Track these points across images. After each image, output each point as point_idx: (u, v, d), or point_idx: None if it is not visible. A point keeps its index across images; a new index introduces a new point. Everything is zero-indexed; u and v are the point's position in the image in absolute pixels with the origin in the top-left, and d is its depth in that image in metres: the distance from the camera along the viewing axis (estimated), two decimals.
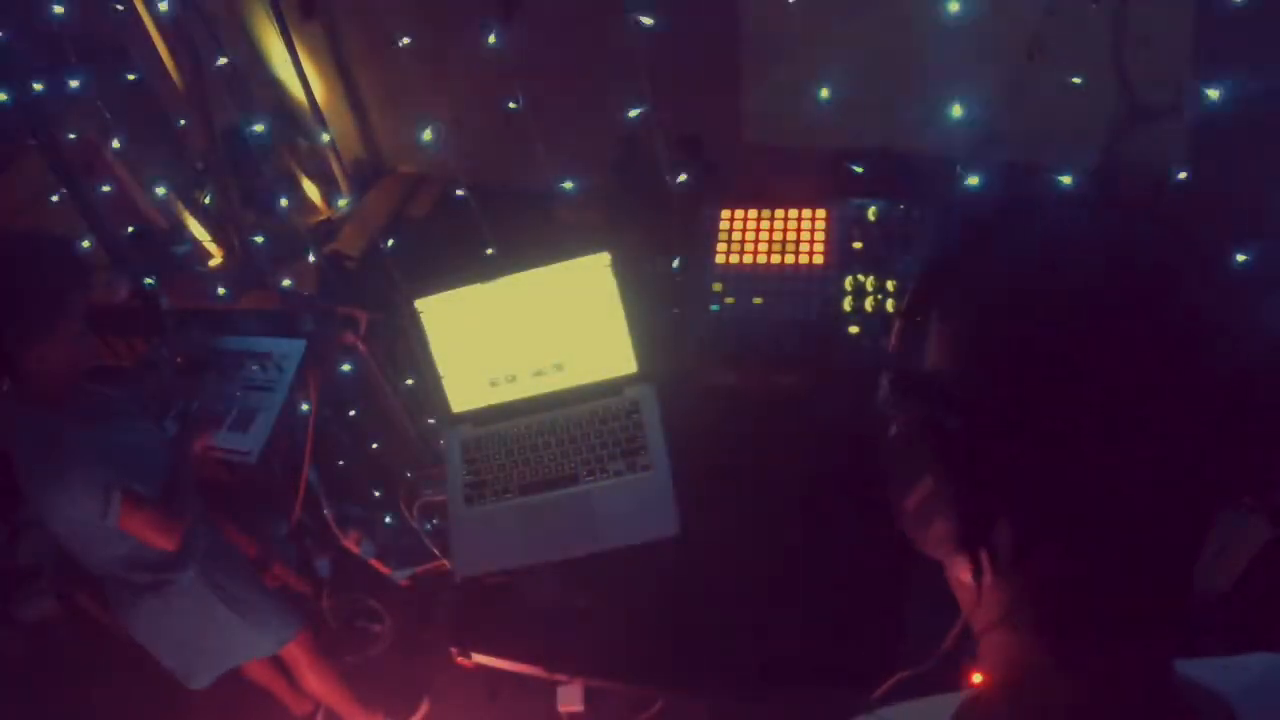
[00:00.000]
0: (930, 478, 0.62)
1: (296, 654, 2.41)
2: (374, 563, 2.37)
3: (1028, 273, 0.61)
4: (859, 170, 2.15)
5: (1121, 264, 0.59)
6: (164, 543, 1.92)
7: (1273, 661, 0.70)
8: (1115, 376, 0.55)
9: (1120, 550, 0.58)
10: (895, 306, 1.80)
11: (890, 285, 1.82)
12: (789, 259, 1.90)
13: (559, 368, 1.86)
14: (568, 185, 2.44)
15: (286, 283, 2.90)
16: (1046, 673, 0.63)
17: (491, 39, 2.23)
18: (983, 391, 0.59)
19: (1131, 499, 0.56)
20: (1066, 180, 1.98)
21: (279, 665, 2.52)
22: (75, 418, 1.87)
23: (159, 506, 1.89)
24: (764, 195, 1.99)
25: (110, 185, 3.12)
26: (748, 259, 1.92)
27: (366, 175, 3.57)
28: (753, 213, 1.97)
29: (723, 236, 1.95)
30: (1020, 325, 0.58)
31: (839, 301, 1.82)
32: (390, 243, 2.69)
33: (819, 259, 1.89)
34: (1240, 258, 2.01)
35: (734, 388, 1.85)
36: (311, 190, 3.47)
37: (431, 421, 2.25)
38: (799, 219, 1.94)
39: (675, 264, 2.13)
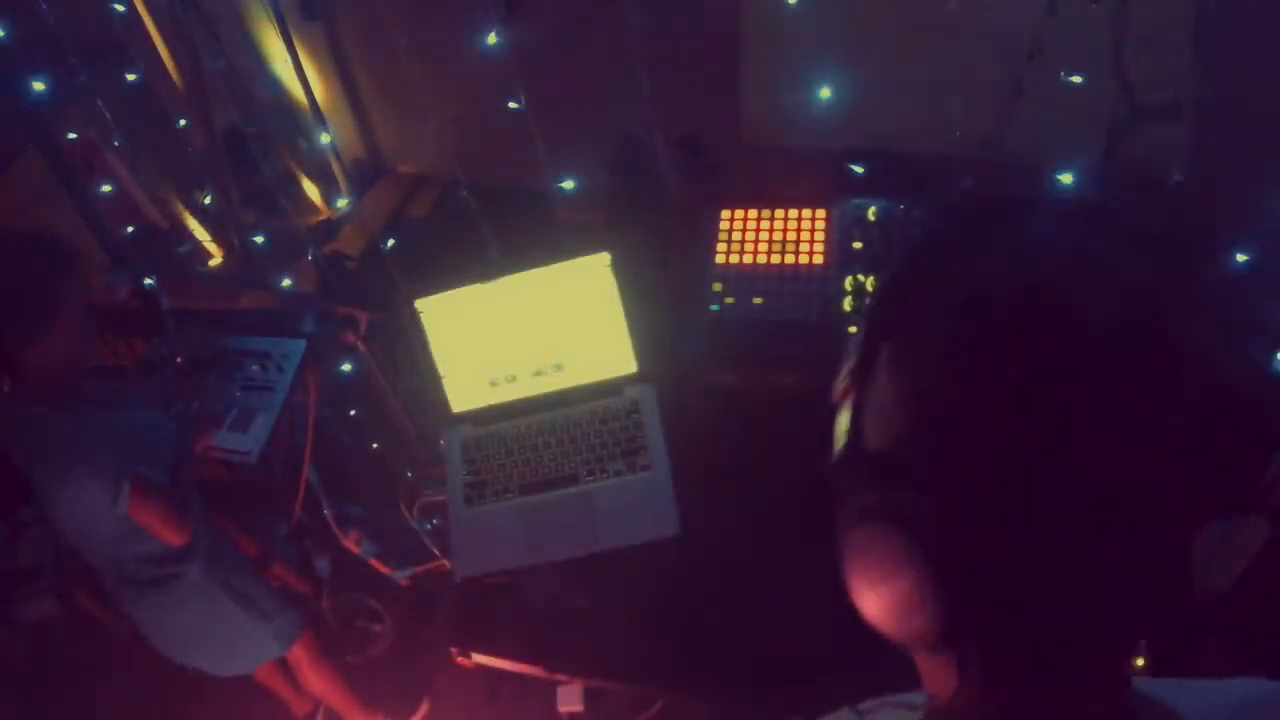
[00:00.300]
0: (907, 570, 0.54)
1: (298, 653, 2.41)
2: (374, 563, 2.37)
3: (1002, 294, 0.53)
4: (859, 170, 2.15)
5: (1108, 283, 0.53)
6: (172, 534, 1.92)
7: (1249, 689, 0.66)
8: (1100, 401, 0.50)
9: (1101, 583, 0.53)
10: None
11: None
12: (789, 259, 1.90)
13: (559, 368, 1.86)
14: (568, 185, 2.44)
15: (287, 283, 2.90)
16: (997, 712, 0.59)
17: (492, 38, 2.23)
18: (949, 447, 0.52)
19: (1114, 528, 0.51)
20: (1067, 179, 1.98)
21: (280, 665, 2.52)
22: (80, 408, 1.88)
23: (167, 495, 1.90)
24: (764, 195, 2.00)
25: (110, 185, 3.12)
26: (748, 259, 1.92)
27: (366, 175, 3.57)
28: (753, 213, 1.97)
29: (723, 236, 1.95)
30: (993, 351, 0.52)
31: (839, 301, 1.83)
32: (390, 243, 2.69)
33: (819, 259, 1.89)
34: (1240, 258, 2.01)
35: (734, 388, 1.85)
36: (311, 190, 3.47)
37: (431, 422, 2.25)
38: (799, 219, 1.94)
39: (675, 264, 2.13)
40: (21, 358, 1.77)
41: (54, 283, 1.79)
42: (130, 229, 3.20)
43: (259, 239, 3.11)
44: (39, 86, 2.49)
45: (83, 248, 2.79)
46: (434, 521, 1.97)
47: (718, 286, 1.90)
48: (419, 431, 2.52)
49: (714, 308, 1.88)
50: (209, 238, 3.36)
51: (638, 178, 2.59)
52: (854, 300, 1.82)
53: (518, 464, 1.82)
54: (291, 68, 2.98)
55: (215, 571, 2.12)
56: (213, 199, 3.32)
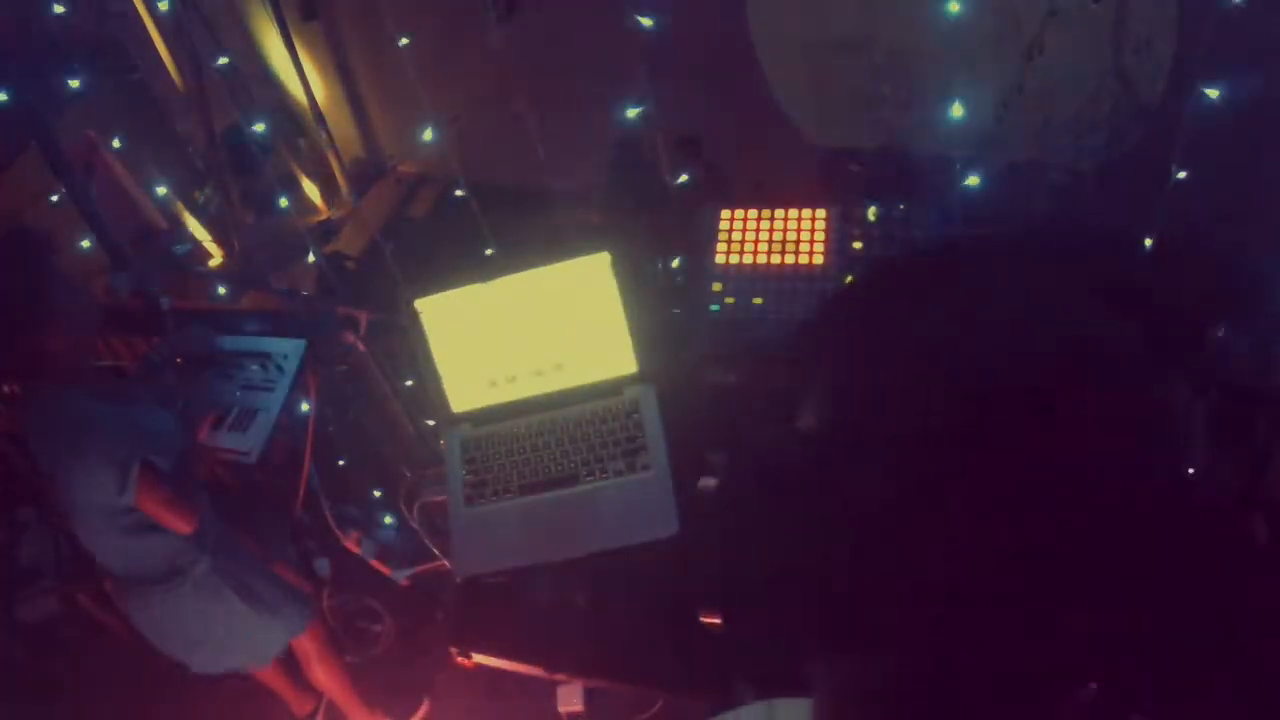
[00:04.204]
0: None
1: (306, 645, 2.42)
2: (374, 563, 2.38)
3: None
4: (859, 170, 2.16)
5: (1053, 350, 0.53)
6: (180, 525, 1.93)
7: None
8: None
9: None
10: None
11: None
12: (789, 259, 1.90)
13: (559, 368, 1.86)
14: (568, 185, 2.44)
15: (286, 283, 2.90)
16: None
17: (491, 39, 2.23)
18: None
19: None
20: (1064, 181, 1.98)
21: (282, 662, 2.52)
22: (92, 396, 1.91)
23: (174, 484, 1.91)
24: (764, 195, 2.00)
25: (110, 185, 3.12)
26: (748, 259, 1.92)
27: (366, 175, 3.57)
28: (753, 213, 1.97)
29: (723, 236, 1.95)
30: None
31: None
32: (390, 243, 2.69)
33: (819, 259, 1.89)
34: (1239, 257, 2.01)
35: (734, 388, 1.85)
36: (311, 190, 3.47)
37: (431, 422, 2.25)
38: (799, 219, 1.94)
39: (675, 264, 2.13)
40: (32, 346, 1.81)
41: (36, 273, 1.82)
42: (130, 229, 3.20)
43: (259, 239, 3.11)
44: (39, 87, 2.49)
45: (82, 248, 2.80)
46: (434, 521, 1.97)
47: (718, 286, 1.90)
48: (419, 431, 2.52)
49: (714, 308, 1.88)
50: (209, 238, 3.37)
51: (638, 178, 2.59)
52: None
53: (518, 464, 1.82)
54: (292, 68, 2.99)
55: (224, 569, 2.13)
56: (213, 199, 3.32)
